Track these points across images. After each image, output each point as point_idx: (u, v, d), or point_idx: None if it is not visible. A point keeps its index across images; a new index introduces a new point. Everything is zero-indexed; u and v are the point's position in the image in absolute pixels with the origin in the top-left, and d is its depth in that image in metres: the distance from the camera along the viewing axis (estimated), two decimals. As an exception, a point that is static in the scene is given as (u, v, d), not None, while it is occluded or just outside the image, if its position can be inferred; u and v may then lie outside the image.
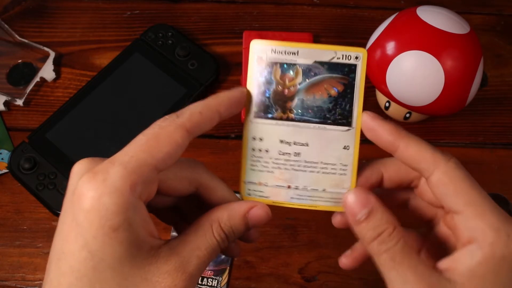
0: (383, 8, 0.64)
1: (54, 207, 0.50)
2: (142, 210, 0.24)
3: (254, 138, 0.30)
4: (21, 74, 0.59)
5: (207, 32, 0.62)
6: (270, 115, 0.30)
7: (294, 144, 0.30)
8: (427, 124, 0.57)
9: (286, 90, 0.29)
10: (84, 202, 0.24)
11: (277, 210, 0.49)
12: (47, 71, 0.57)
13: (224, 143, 0.55)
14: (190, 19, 0.63)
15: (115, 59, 0.58)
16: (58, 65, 0.59)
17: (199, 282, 0.48)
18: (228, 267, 0.49)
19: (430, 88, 0.48)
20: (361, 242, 0.28)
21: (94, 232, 0.23)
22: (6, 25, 0.60)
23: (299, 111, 0.29)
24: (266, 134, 0.30)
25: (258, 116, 0.30)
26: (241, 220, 0.27)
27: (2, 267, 0.49)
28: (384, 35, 0.51)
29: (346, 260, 0.32)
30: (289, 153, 0.30)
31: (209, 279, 0.49)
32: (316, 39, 0.61)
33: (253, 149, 0.30)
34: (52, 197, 0.50)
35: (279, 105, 0.30)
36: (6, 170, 0.52)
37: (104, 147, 0.53)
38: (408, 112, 0.54)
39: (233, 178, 0.54)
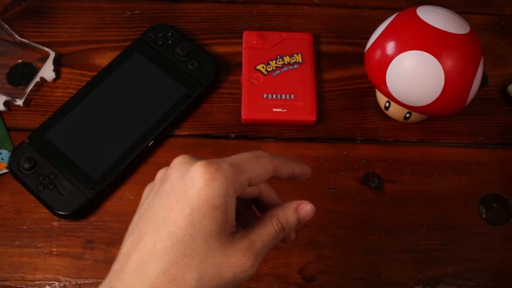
0: (383, 8, 0.64)
1: (54, 207, 0.50)
2: (234, 202, 0.31)
3: None
4: (21, 74, 0.59)
5: (207, 32, 0.62)
6: None
7: None
8: (427, 124, 0.57)
9: None
10: (199, 181, 0.30)
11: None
12: (47, 71, 0.57)
13: (224, 143, 0.55)
14: (190, 19, 0.63)
15: (115, 59, 0.58)
16: (58, 65, 0.59)
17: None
18: (228, 267, 0.49)
19: (430, 88, 0.48)
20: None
21: (200, 206, 0.29)
22: (6, 25, 0.60)
23: None
24: None
25: None
26: (293, 213, 0.34)
27: (2, 267, 0.49)
28: (384, 35, 0.51)
29: None
30: None
31: (209, 279, 0.49)
32: (316, 39, 0.61)
33: None
34: (52, 197, 0.50)
35: None
36: (6, 170, 0.52)
37: (104, 147, 0.53)
38: (408, 112, 0.54)
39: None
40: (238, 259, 0.30)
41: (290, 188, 0.53)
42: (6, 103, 0.56)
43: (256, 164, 0.32)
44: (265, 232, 0.32)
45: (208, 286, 0.30)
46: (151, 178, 0.53)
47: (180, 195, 0.30)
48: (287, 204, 0.34)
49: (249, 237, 0.32)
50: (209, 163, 0.30)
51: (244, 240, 0.31)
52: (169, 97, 0.56)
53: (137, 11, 0.63)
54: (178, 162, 0.32)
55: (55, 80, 0.58)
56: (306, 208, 0.34)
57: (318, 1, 0.65)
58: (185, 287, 0.29)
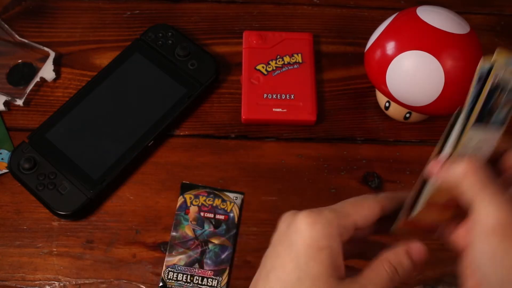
0: (383, 8, 0.64)
1: (54, 207, 0.50)
2: (340, 244, 0.31)
3: None
4: (21, 74, 0.59)
5: (207, 32, 0.62)
6: None
7: None
8: (427, 124, 0.57)
9: None
10: (302, 226, 0.31)
11: (278, 210, 0.49)
12: (47, 71, 0.57)
13: (224, 143, 0.55)
14: (190, 19, 0.63)
15: (115, 59, 0.58)
16: (58, 65, 0.59)
17: (199, 282, 0.48)
18: (228, 267, 0.49)
19: (430, 88, 0.48)
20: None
21: (304, 249, 0.30)
22: (6, 25, 0.60)
23: None
24: None
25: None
26: (405, 254, 0.33)
27: (2, 267, 0.49)
28: (384, 35, 0.51)
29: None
30: None
31: (209, 279, 0.49)
32: (316, 39, 0.61)
33: None
34: (52, 197, 0.50)
35: None
36: (6, 170, 0.52)
37: (104, 147, 0.53)
38: (408, 112, 0.54)
39: (233, 178, 0.54)
40: None
41: (290, 188, 0.53)
42: (6, 103, 0.56)
43: (360, 206, 0.33)
44: (376, 277, 0.32)
45: None
46: (151, 178, 0.54)
47: (286, 241, 0.32)
48: (397, 247, 0.34)
49: (359, 282, 0.31)
50: (311, 210, 0.32)
51: (354, 285, 0.31)
52: (169, 97, 0.56)
53: (137, 11, 0.63)
54: (285, 216, 0.33)
55: (55, 80, 0.58)
56: (416, 247, 0.33)
57: (318, 1, 0.65)
58: None
